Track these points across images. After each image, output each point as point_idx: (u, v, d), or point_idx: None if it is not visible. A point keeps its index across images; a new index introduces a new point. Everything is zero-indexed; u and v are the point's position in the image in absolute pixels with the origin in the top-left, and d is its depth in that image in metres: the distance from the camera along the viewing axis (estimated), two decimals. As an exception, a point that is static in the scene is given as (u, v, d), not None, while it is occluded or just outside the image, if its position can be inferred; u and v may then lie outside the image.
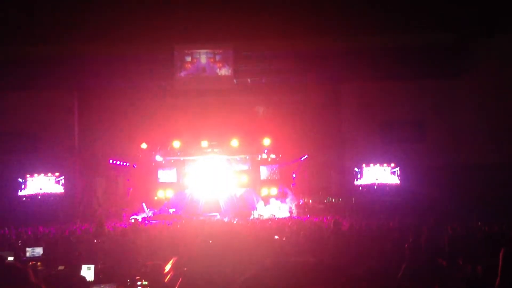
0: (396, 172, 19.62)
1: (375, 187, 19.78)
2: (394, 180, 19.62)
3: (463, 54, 18.45)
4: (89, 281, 6.02)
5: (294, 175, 24.03)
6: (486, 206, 13.90)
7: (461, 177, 17.46)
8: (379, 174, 19.89)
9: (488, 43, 17.93)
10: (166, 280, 5.85)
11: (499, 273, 3.85)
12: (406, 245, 6.04)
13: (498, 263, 3.92)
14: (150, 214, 21.86)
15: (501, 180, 16.47)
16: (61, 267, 6.38)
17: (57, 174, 19.91)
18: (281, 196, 23.36)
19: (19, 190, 19.38)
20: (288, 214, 21.13)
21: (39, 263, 7.49)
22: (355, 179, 20.07)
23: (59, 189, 19.95)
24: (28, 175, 19.62)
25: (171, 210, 22.45)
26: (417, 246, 5.57)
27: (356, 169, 20.03)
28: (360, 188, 19.95)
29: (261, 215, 20.74)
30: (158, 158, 24.36)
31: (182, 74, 19.29)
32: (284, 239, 9.81)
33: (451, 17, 17.21)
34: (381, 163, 19.79)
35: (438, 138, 19.48)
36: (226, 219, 18.05)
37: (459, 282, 5.51)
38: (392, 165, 19.67)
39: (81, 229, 13.66)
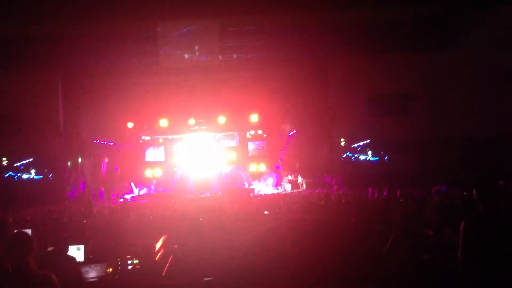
0: (381, 145, 19.74)
1: (362, 159, 19.93)
2: (381, 152, 19.76)
3: (449, 27, 18.41)
4: (79, 262, 6.01)
5: (282, 151, 24.09)
6: (472, 178, 14.06)
7: (447, 149, 17.62)
8: (366, 147, 20.01)
9: (475, 15, 17.89)
10: (156, 258, 5.85)
11: (459, 246, 3.89)
12: (396, 216, 6.10)
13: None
14: (139, 193, 21.85)
15: (488, 152, 16.66)
16: (50, 248, 6.33)
17: (42, 155, 19.71)
18: (270, 172, 23.46)
19: (5, 172, 19.19)
20: (277, 190, 21.27)
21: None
22: (342, 153, 20.18)
23: (46, 171, 19.78)
24: (14, 157, 19.39)
25: (160, 189, 22.48)
26: (405, 216, 5.62)
27: (343, 142, 20.11)
28: (348, 161, 20.07)
29: (253, 191, 20.83)
30: (145, 137, 24.24)
31: (167, 51, 19.03)
32: (277, 210, 9.87)
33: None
34: (369, 136, 19.89)
35: (425, 111, 19.57)
36: (215, 196, 18.11)
37: (446, 251, 5.60)
38: (377, 139, 19.78)
39: (69, 210, 13.60)
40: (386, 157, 19.58)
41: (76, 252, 6.19)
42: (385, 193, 11.91)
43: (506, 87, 17.33)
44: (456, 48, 18.60)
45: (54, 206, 15.64)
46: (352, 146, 20.16)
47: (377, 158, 19.83)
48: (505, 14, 17.03)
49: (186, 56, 19.03)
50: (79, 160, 21.59)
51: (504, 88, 17.42)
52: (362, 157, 20.03)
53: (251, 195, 18.99)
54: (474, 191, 4.11)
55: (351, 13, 18.25)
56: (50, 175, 19.74)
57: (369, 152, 20.00)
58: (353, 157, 20.16)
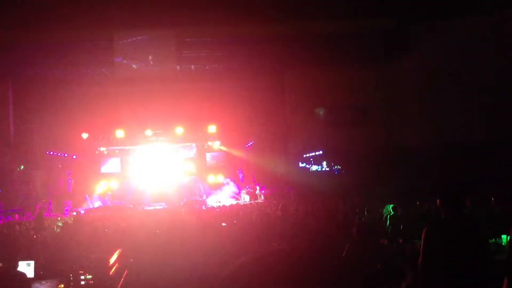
0: (338, 156, 20.08)
1: (319, 171, 20.20)
2: (337, 163, 20.09)
3: (401, 38, 19.00)
4: (29, 278, 5.78)
5: (240, 162, 24.11)
6: (425, 186, 14.47)
7: (401, 159, 18.09)
8: (321, 159, 20.32)
9: (427, 27, 18.55)
10: (111, 272, 5.71)
11: (420, 252, 4.01)
12: (352, 227, 6.20)
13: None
14: (94, 205, 21.31)
15: (439, 160, 17.19)
16: (-1, 265, 6.07)
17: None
18: (228, 183, 23.41)
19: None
20: (235, 201, 21.23)
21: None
22: (299, 165, 20.40)
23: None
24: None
25: (116, 201, 22.00)
26: (360, 227, 5.72)
27: (300, 154, 20.34)
28: (305, 173, 20.30)
29: (208, 203, 20.73)
30: (101, 148, 23.73)
31: (123, 60, 18.74)
32: (235, 221, 9.84)
33: (391, 2, 17.65)
34: (325, 147, 20.19)
35: (380, 122, 20.06)
36: (171, 209, 17.88)
37: (400, 260, 5.74)
38: (333, 149, 20.11)
39: (19, 224, 13.09)
40: (340, 168, 19.93)
41: (26, 267, 5.94)
42: (341, 204, 12.11)
43: (457, 97, 18.00)
44: (410, 58, 19.21)
45: (2, 220, 15.05)
46: (307, 156, 20.41)
47: (332, 169, 20.13)
48: (456, 25, 17.78)
49: (141, 65, 18.78)
50: (31, 172, 20.83)
51: (454, 98, 18.08)
52: (317, 168, 20.29)
53: (203, 207, 18.89)
54: (438, 200, 4.22)
55: (307, 26, 18.56)
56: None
57: (325, 163, 20.30)
58: (309, 168, 20.40)
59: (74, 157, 23.17)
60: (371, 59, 19.58)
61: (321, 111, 19.87)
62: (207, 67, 20.09)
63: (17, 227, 12.12)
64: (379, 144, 19.25)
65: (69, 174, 23.03)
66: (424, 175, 16.08)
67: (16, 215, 17.38)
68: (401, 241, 7.18)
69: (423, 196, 11.66)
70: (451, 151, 16.73)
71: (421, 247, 4.04)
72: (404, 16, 18.27)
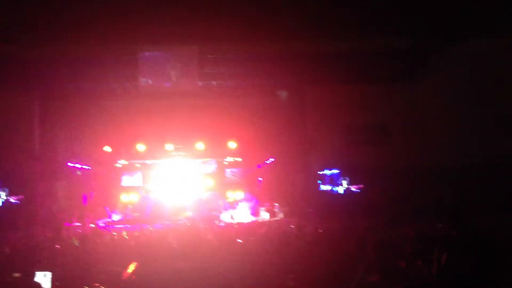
0: (358, 175, 19.89)
1: (339, 190, 20.02)
2: (358, 182, 19.89)
3: (424, 57, 18.90)
4: (45, 289, 5.84)
5: (260, 178, 24.07)
6: (446, 208, 14.20)
7: (422, 179, 17.83)
8: (342, 178, 20.14)
9: (449, 47, 18.41)
10: (126, 286, 5.73)
11: (433, 273, 3.94)
12: (368, 248, 6.12)
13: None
14: (114, 218, 21.47)
15: (462, 182, 16.89)
16: (17, 275, 6.15)
17: (15, 179, 19.24)
18: (247, 200, 23.35)
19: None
20: (254, 218, 21.15)
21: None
22: (319, 182, 20.26)
23: (18, 194, 19.29)
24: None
25: (136, 215, 22.12)
26: (377, 248, 5.64)
27: (320, 172, 20.22)
28: (324, 191, 20.14)
29: (226, 219, 20.70)
30: (122, 161, 23.99)
31: (146, 75, 19.02)
32: (251, 238, 9.80)
33: (414, 22, 17.61)
34: (345, 166, 20.04)
35: (400, 141, 19.86)
36: (190, 223, 17.89)
37: (418, 283, 5.62)
38: (353, 168, 19.94)
39: (40, 235, 13.24)
40: (362, 187, 19.69)
41: (43, 278, 6.01)
42: (360, 224, 11.95)
43: (479, 118, 17.73)
44: (431, 78, 19.06)
45: (25, 231, 15.25)
46: (328, 175, 20.26)
47: (353, 188, 19.92)
48: (477, 46, 17.61)
49: (163, 81, 19.03)
50: (54, 184, 21.16)
51: (477, 118, 17.82)
52: (338, 187, 20.11)
53: (222, 223, 18.86)
54: (448, 221, 4.18)
55: (330, 44, 18.62)
56: (22, 200, 19.23)
57: (345, 182, 20.10)
58: (329, 187, 20.24)
59: (97, 170, 23.46)
60: (393, 78, 19.52)
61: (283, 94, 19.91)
62: (228, 83, 20.24)
63: (37, 238, 12.28)
64: (400, 163, 19.03)
65: (91, 186, 23.30)
66: (445, 196, 15.81)
67: (38, 227, 17.61)
68: (419, 263, 7.03)
69: (443, 217, 11.44)
70: (472, 172, 16.45)
71: (434, 269, 3.97)
72: (427, 35, 18.18)
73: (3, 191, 19.16)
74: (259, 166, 23.95)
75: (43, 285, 5.73)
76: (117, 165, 24.00)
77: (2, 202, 19.02)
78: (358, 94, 19.93)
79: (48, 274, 6.04)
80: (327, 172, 20.30)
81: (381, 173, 18.56)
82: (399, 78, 19.54)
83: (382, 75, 19.14)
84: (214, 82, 20.10)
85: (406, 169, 18.56)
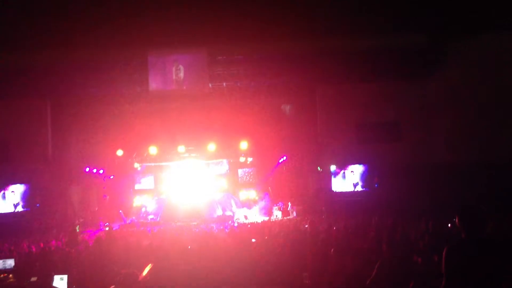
0: (371, 172, 19.78)
1: (351, 187, 19.93)
2: (370, 180, 19.78)
3: (436, 55, 18.73)
4: (62, 292, 5.89)
5: (272, 178, 24.07)
6: (459, 205, 14.05)
7: (435, 176, 17.69)
8: (355, 176, 20.05)
9: (461, 43, 18.25)
10: (142, 287, 5.76)
11: (443, 272, 3.87)
12: (383, 243, 6.08)
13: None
14: (128, 221, 21.62)
15: (474, 179, 16.74)
16: (33, 279, 6.23)
17: (30, 184, 19.44)
18: (260, 199, 23.36)
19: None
20: (267, 217, 21.16)
21: (10, 275, 7.30)
22: (331, 180, 20.17)
23: (33, 199, 19.49)
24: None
25: (149, 217, 22.26)
26: (393, 244, 5.60)
27: (332, 170, 20.13)
28: (336, 189, 20.06)
29: (240, 219, 20.73)
30: (135, 164, 24.15)
31: (157, 79, 19.11)
32: (266, 237, 9.81)
33: (424, 18, 17.46)
34: (358, 164, 19.95)
35: (412, 138, 19.71)
36: (203, 225, 17.97)
37: (434, 279, 5.57)
38: (367, 166, 19.84)
39: (55, 239, 13.38)
40: (376, 184, 19.58)
41: (59, 282, 6.07)
42: (374, 221, 11.88)
43: (492, 114, 17.55)
44: (444, 75, 18.89)
45: (40, 235, 15.42)
46: (341, 173, 20.17)
47: (366, 185, 19.81)
48: (492, 41, 17.41)
49: (174, 83, 19.10)
50: (68, 188, 21.36)
51: (490, 114, 17.63)
52: (351, 185, 20.01)
53: (235, 223, 18.88)
54: (456, 219, 4.10)
55: (339, 42, 18.53)
56: (38, 204, 19.43)
57: (359, 179, 20.00)
58: (341, 184, 20.14)
59: (110, 174, 23.63)
60: (405, 75, 19.36)
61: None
62: (238, 84, 20.26)
63: (53, 242, 12.40)
64: (413, 160, 18.88)
65: (104, 190, 23.48)
66: (458, 193, 15.67)
67: (54, 231, 17.80)
68: (436, 258, 6.97)
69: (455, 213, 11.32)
70: (485, 169, 16.29)
71: (443, 268, 3.90)
72: (438, 32, 18.02)
73: (19, 196, 19.37)
74: (271, 165, 23.94)
75: (60, 288, 5.79)
76: (130, 168, 24.15)
77: (19, 207, 19.22)
78: (370, 91, 19.81)
79: (65, 277, 6.10)
80: (340, 170, 20.19)
81: (396, 169, 18.44)
82: (411, 75, 19.37)
83: (394, 72, 18.99)
84: (224, 84, 20.13)
85: (420, 165, 18.41)
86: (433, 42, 18.35)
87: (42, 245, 11.44)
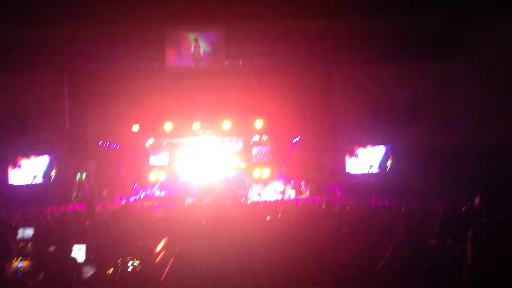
0: (387, 154, 19.66)
1: (366, 169, 19.87)
2: (385, 161, 19.68)
3: (456, 35, 18.40)
4: (80, 262, 6.03)
5: (286, 157, 24.06)
6: (477, 187, 13.95)
7: (453, 158, 17.55)
8: (370, 156, 19.96)
9: (482, 24, 17.89)
10: (157, 260, 5.86)
11: (468, 254, 3.88)
12: (398, 225, 6.08)
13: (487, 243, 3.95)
14: (142, 196, 21.88)
15: (493, 162, 16.59)
16: (52, 248, 6.36)
17: (48, 156, 19.73)
18: (274, 178, 23.42)
19: (8, 175, 19.19)
20: (280, 196, 21.23)
21: (29, 244, 7.46)
22: (346, 161, 20.12)
23: (50, 172, 19.80)
24: (19, 157, 19.43)
25: (163, 192, 22.51)
26: (407, 226, 5.59)
27: (347, 151, 20.06)
28: (351, 170, 20.01)
29: (253, 197, 20.83)
30: (150, 140, 24.32)
31: (173, 55, 19.10)
32: (279, 216, 9.86)
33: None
34: (373, 145, 19.83)
35: (431, 120, 19.49)
36: (217, 202, 18.07)
37: (448, 261, 5.57)
38: (383, 147, 19.71)
39: (72, 211, 13.62)
40: (389, 166, 19.48)
41: (78, 251, 6.20)
42: (387, 202, 11.88)
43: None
44: (463, 56, 18.57)
45: (58, 207, 15.70)
46: (356, 154, 20.09)
47: (381, 167, 19.72)
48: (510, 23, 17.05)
49: (190, 60, 19.06)
50: (84, 162, 21.64)
51: (511, 97, 17.36)
52: (366, 166, 19.94)
53: (248, 201, 18.96)
54: (476, 201, 4.11)
55: (357, 22, 18.29)
56: (53, 176, 19.73)
57: (374, 161, 19.91)
58: (356, 165, 20.08)
59: (125, 149, 23.84)
60: (424, 56, 19.05)
61: None
62: (254, 63, 20.15)
63: (70, 214, 12.63)
64: (430, 143, 18.72)
65: (120, 165, 23.73)
66: (475, 175, 15.55)
67: (70, 203, 18.11)
68: (450, 241, 6.96)
69: (474, 196, 11.26)
70: (504, 153, 16.11)
71: (468, 249, 3.92)
72: (459, 12, 17.66)
73: (37, 168, 19.69)
74: (286, 144, 23.92)
75: (78, 258, 5.91)
76: (145, 143, 24.34)
77: (37, 178, 19.55)
78: (388, 72, 19.56)
79: (83, 247, 6.23)
80: (355, 151, 20.11)
81: (412, 152, 18.32)
82: (431, 56, 19.06)
83: (413, 53, 18.70)
84: (240, 62, 20.04)
85: (437, 148, 18.26)
86: (454, 22, 18.00)
87: (59, 215, 11.67)
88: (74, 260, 5.83)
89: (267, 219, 9.29)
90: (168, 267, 5.63)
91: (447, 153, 17.81)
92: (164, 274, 5.49)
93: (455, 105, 19.08)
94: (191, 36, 19.18)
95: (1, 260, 3.32)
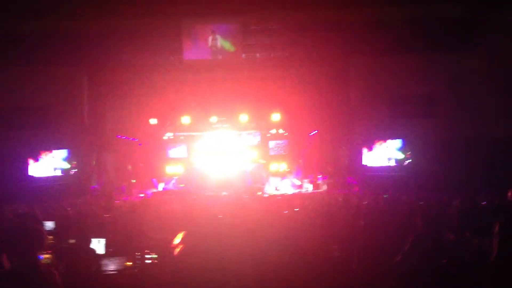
0: (404, 147, 19.45)
1: (384, 162, 19.70)
2: (403, 154, 19.48)
3: (473, 26, 18.08)
4: (99, 254, 6.12)
5: (303, 150, 24.02)
6: (495, 180, 13.79)
7: (471, 151, 17.31)
8: (387, 150, 19.78)
9: (499, 15, 17.56)
10: (175, 253, 5.90)
11: (494, 247, 3.85)
12: (416, 218, 6.03)
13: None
14: (160, 189, 22.05)
15: (511, 154, 16.33)
16: (72, 241, 6.47)
17: (67, 149, 19.96)
18: (291, 172, 23.41)
19: (29, 166, 19.47)
20: (297, 190, 21.22)
21: (51, 237, 7.59)
22: (363, 154, 19.99)
23: (70, 164, 20.05)
24: (39, 150, 19.68)
25: (181, 186, 22.65)
26: (426, 219, 5.55)
27: (364, 144, 19.92)
28: (368, 163, 19.88)
29: (270, 191, 20.86)
30: (168, 133, 24.48)
31: (190, 48, 19.14)
32: (297, 209, 9.85)
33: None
34: (390, 138, 19.64)
35: (448, 112, 19.22)
36: (234, 195, 18.12)
37: (467, 255, 5.52)
38: (400, 140, 19.49)
39: (92, 204, 13.81)
40: (409, 159, 19.28)
41: (97, 244, 6.30)
42: (405, 196, 11.78)
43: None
44: (480, 47, 18.26)
45: (76, 200, 15.92)
46: (374, 147, 19.94)
47: (399, 161, 19.53)
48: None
49: (207, 53, 19.08)
50: (103, 155, 21.88)
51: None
52: (384, 159, 19.78)
53: (265, 194, 18.97)
54: (509, 193, 4.10)
55: (374, 12, 18.07)
56: (73, 170, 19.97)
57: (392, 154, 19.73)
58: (374, 158, 19.93)
59: (143, 143, 24.03)
60: (440, 47, 18.76)
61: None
62: (272, 55, 20.09)
63: (91, 206, 12.81)
64: (448, 136, 18.47)
65: (138, 158, 23.94)
66: (493, 168, 15.32)
67: (89, 196, 18.34)
68: (468, 235, 6.88)
69: (493, 189, 11.12)
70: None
71: (495, 242, 3.88)
72: (475, 3, 17.33)
73: (58, 160, 19.94)
74: (302, 138, 23.86)
75: (97, 250, 6.00)
76: (163, 137, 24.50)
77: (57, 171, 19.81)
78: (405, 64, 19.31)
79: (102, 241, 6.32)
80: (372, 144, 19.96)
81: (430, 145, 18.10)
82: (448, 47, 18.77)
83: (431, 44, 18.43)
84: (257, 54, 20.01)
85: (455, 141, 18.02)
86: (472, 13, 17.68)
87: (79, 208, 11.85)
88: (93, 252, 5.93)
89: (285, 212, 9.29)
90: (186, 259, 5.67)
91: (465, 145, 17.56)
92: (183, 266, 5.54)
93: (472, 98, 18.78)
94: (208, 29, 19.15)
95: (34, 250, 3.36)
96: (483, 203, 9.29)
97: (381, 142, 19.79)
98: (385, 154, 19.76)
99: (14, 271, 3.25)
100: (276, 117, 23.01)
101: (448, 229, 6.98)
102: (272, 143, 24.79)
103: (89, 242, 5.98)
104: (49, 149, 19.73)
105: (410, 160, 19.06)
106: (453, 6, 17.75)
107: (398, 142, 19.57)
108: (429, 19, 17.90)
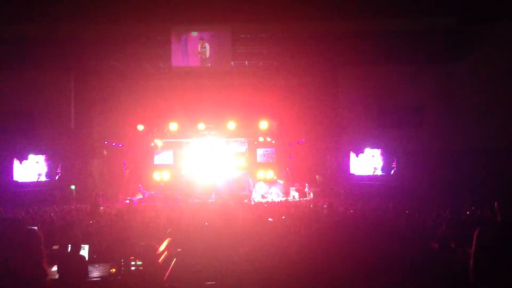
0: (391, 156, 19.60)
1: (370, 171, 19.82)
2: (389, 164, 19.63)
3: (462, 38, 18.32)
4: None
5: (290, 159, 24.07)
6: (482, 190, 13.95)
7: (458, 161, 17.48)
8: (374, 159, 19.91)
9: (487, 28, 17.82)
10: (160, 260, 5.86)
11: (472, 254, 3.88)
12: (400, 227, 6.07)
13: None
14: (146, 195, 21.92)
15: (499, 164, 16.51)
16: (55, 247, 6.39)
17: (52, 155, 19.76)
18: (277, 180, 23.43)
19: (14, 171, 19.25)
20: (284, 197, 21.23)
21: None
22: (350, 163, 20.10)
23: (55, 170, 19.86)
24: (24, 155, 19.47)
25: (167, 192, 22.53)
26: (410, 228, 5.59)
27: (352, 153, 20.03)
28: (355, 172, 19.98)
29: (257, 198, 20.84)
30: (155, 140, 24.38)
31: (179, 55, 19.12)
32: (283, 217, 9.86)
33: (451, 1, 17.05)
34: (377, 147, 19.79)
35: (435, 123, 19.42)
36: (221, 202, 18.08)
37: (450, 265, 5.56)
38: (387, 150, 19.63)
39: (76, 210, 13.68)
40: (395, 169, 19.43)
41: (81, 251, 6.23)
42: (391, 205, 11.85)
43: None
44: (468, 59, 18.50)
45: (61, 205, 15.77)
46: (360, 156, 20.06)
47: (385, 170, 19.67)
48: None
49: (196, 60, 19.08)
50: (89, 161, 21.69)
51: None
52: (370, 168, 19.91)
53: (252, 202, 18.97)
54: (495, 203, 4.12)
55: (364, 23, 18.23)
56: (57, 175, 19.79)
57: (378, 164, 19.87)
58: (360, 168, 20.05)
59: (130, 149, 23.89)
60: (429, 58, 18.99)
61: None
62: (260, 64, 20.16)
63: (74, 213, 12.68)
64: (434, 146, 18.65)
65: (124, 164, 23.79)
66: (477, 179, 15.49)
67: (74, 202, 18.18)
68: (453, 245, 6.94)
69: (477, 200, 11.24)
70: (510, 155, 16.03)
71: (473, 249, 3.91)
72: (464, 16, 17.59)
73: (42, 166, 19.74)
74: (290, 146, 23.93)
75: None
76: (150, 143, 24.40)
77: (42, 176, 19.60)
78: (393, 74, 19.51)
79: (86, 247, 6.25)
80: (359, 153, 20.08)
81: (417, 155, 18.25)
82: (436, 58, 19.00)
83: (419, 55, 18.66)
84: (246, 62, 20.06)
85: (441, 151, 18.19)
86: (460, 25, 17.94)
87: (63, 214, 11.72)
88: (83, 258, 5.87)
89: (270, 220, 9.29)
90: (171, 266, 5.63)
91: (452, 155, 17.74)
92: (167, 274, 5.50)
93: (460, 108, 19.00)
94: (197, 36, 19.16)
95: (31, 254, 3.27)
96: (467, 212, 9.40)
97: (368, 150, 19.91)
98: (371, 163, 19.89)
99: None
100: (264, 125, 23.04)
101: (433, 238, 7.05)
102: (259, 151, 24.82)
103: (79, 248, 5.92)
104: (34, 154, 19.53)
105: (395, 170, 19.20)
106: (441, 19, 17.99)
107: (384, 152, 19.71)
108: (418, 31, 18.12)
